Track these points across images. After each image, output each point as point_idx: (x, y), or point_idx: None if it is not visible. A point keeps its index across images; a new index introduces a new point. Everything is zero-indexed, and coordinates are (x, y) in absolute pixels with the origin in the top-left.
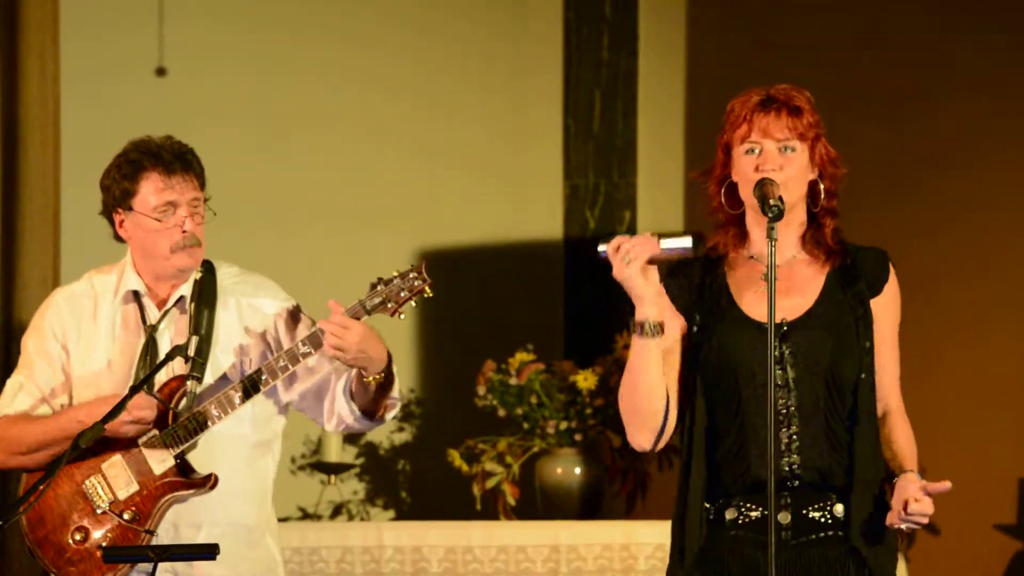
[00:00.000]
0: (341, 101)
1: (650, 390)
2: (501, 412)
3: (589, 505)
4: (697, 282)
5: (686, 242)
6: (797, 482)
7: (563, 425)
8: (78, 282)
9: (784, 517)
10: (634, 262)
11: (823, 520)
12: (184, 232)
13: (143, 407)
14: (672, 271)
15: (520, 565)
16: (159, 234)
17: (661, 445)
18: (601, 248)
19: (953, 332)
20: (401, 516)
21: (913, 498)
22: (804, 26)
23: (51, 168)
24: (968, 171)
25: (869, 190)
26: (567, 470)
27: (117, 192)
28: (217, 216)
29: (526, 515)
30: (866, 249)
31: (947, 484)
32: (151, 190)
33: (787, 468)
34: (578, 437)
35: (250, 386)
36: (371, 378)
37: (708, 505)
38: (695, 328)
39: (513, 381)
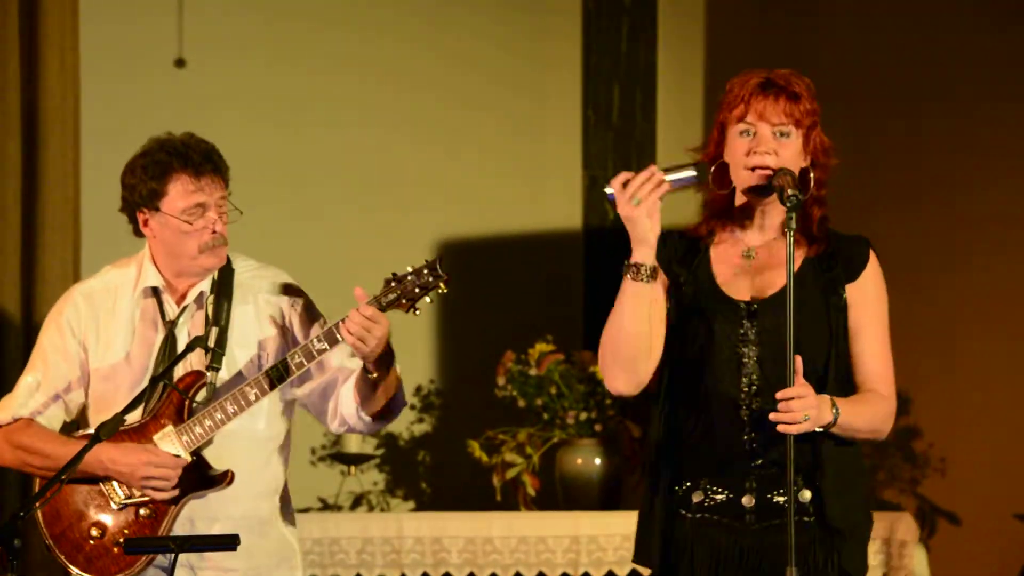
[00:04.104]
0: (361, 93)
1: (634, 334)
2: (521, 403)
3: (609, 496)
4: (681, 254)
5: (690, 172)
6: (759, 460)
7: (583, 416)
8: (95, 278)
9: (748, 501)
10: (644, 203)
11: (788, 505)
12: (214, 233)
13: (169, 466)
14: (660, 235)
15: (540, 556)
16: (188, 236)
17: (638, 391)
18: (608, 190)
19: (971, 323)
20: (421, 507)
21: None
22: (824, 15)
23: (71, 161)
24: (983, 160)
25: (887, 181)
26: (587, 461)
27: (144, 191)
28: (238, 206)
29: (546, 506)
30: (848, 237)
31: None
32: (180, 192)
33: (747, 445)
34: (598, 428)
35: (265, 382)
36: (375, 374)
37: (676, 488)
38: (674, 296)
39: (533, 372)
